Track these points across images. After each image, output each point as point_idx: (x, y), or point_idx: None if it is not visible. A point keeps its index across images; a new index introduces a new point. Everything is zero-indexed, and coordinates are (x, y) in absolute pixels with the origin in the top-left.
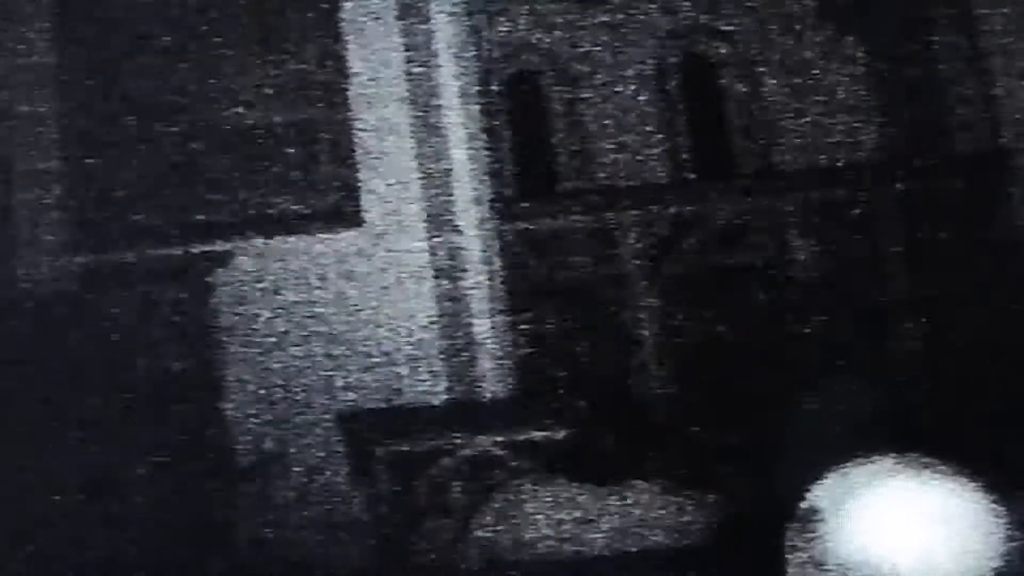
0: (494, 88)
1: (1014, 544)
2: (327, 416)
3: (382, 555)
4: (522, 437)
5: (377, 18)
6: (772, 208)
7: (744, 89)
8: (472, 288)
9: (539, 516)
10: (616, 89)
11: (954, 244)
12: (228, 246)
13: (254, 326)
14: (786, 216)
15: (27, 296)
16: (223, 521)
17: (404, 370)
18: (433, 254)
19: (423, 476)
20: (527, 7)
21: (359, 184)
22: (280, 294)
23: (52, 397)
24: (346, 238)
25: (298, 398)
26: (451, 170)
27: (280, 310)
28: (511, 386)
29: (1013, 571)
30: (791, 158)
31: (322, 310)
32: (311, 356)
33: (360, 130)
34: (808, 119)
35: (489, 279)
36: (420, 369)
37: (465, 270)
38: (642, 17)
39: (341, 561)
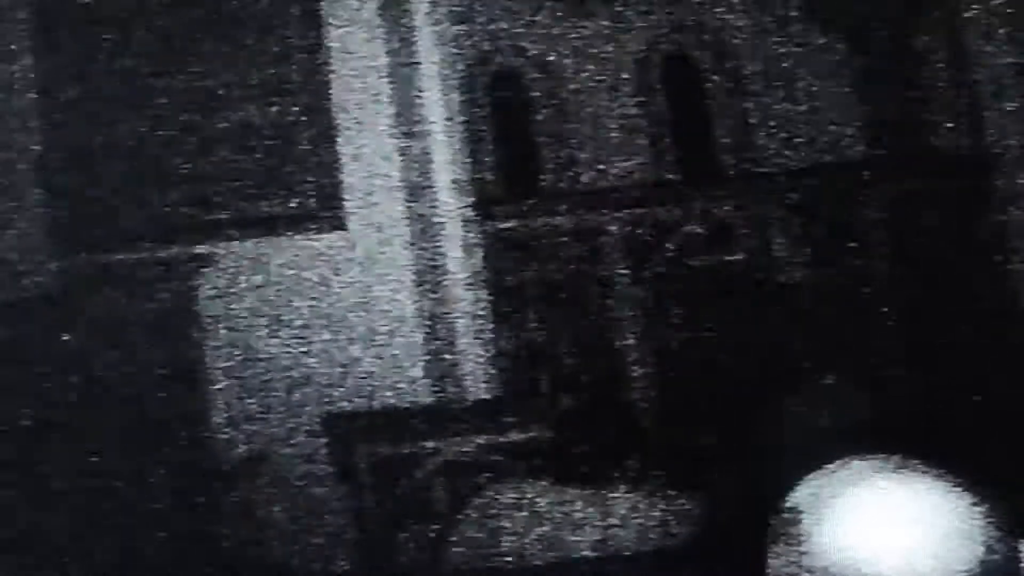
0: (477, 88)
1: (996, 546)
2: (310, 418)
3: (365, 557)
4: (505, 439)
5: (359, 18)
6: (756, 209)
7: (728, 90)
8: (455, 290)
9: (522, 518)
10: (599, 89)
11: (938, 244)
12: (210, 248)
13: (236, 328)
14: (770, 217)
15: (8, 299)
16: (205, 523)
17: (387, 372)
18: (415, 255)
19: (406, 478)
20: (510, 7)
21: (341, 186)
22: (263, 296)
23: (32, 400)
24: (329, 240)
25: (281, 400)
26: (433, 171)
27: (263, 312)
28: (494, 388)
29: (995, 573)
30: (775, 159)
31: (305, 312)
32: (294, 358)
33: (342, 132)
34: (792, 120)
35: (472, 280)
36: (403, 371)
37: (448, 271)
38: (625, 17)
39: (323, 563)
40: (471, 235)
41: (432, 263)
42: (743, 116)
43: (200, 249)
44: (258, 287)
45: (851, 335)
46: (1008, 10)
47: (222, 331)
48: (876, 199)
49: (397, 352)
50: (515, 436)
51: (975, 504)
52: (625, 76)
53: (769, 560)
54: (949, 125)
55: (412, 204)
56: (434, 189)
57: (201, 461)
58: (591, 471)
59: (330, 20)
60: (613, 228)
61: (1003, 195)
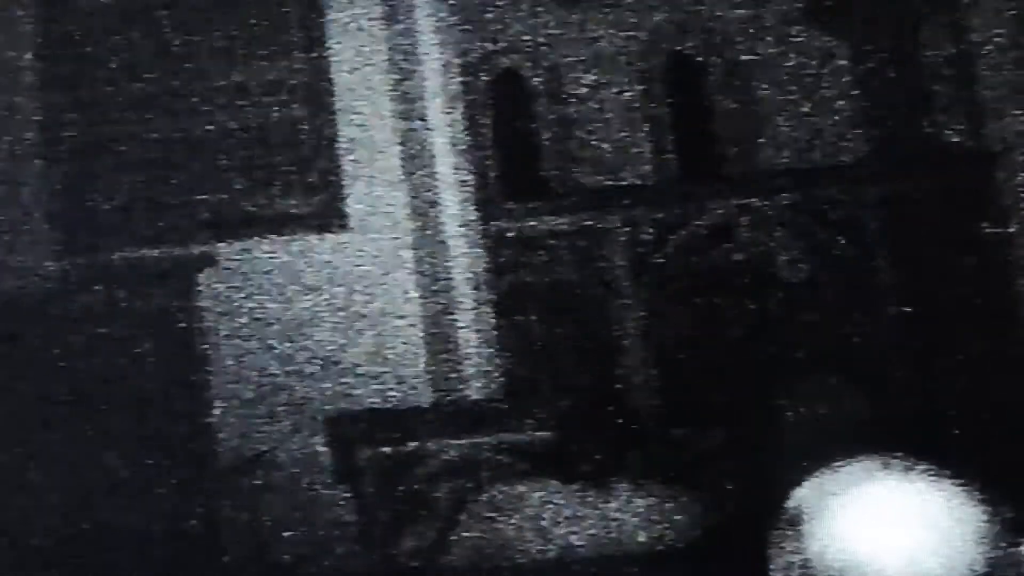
0: (479, 89)
1: (999, 546)
2: (311, 418)
3: (367, 557)
4: (507, 439)
5: (361, 18)
6: (758, 209)
7: (730, 89)
8: (457, 289)
9: (523, 517)
10: (602, 89)
11: (940, 245)
12: (212, 248)
13: (238, 328)
14: (772, 216)
15: (8, 299)
16: (206, 523)
17: (389, 372)
18: (418, 255)
19: (408, 478)
20: (512, 7)
21: (344, 186)
22: (264, 296)
23: (32, 400)
24: (331, 240)
25: (282, 400)
26: (436, 172)
27: (264, 312)
28: (496, 388)
29: (996, 572)
30: (777, 158)
31: (306, 312)
32: (295, 358)
33: (344, 132)
34: (794, 119)
35: (474, 281)
36: (405, 371)
37: (450, 271)
38: (628, 16)
39: (325, 563)
40: (472, 235)
41: (433, 263)
42: (744, 116)
43: (200, 249)
44: (258, 287)
45: (851, 335)
46: (1009, 11)
47: (223, 330)
48: (876, 199)
49: (399, 352)
50: (515, 436)
51: (976, 504)
52: (625, 76)
53: (770, 560)
54: (949, 125)
55: (414, 205)
56: (435, 189)
57: (201, 461)
58: (591, 471)
59: (330, 20)
60: (615, 227)
61: (1004, 195)
